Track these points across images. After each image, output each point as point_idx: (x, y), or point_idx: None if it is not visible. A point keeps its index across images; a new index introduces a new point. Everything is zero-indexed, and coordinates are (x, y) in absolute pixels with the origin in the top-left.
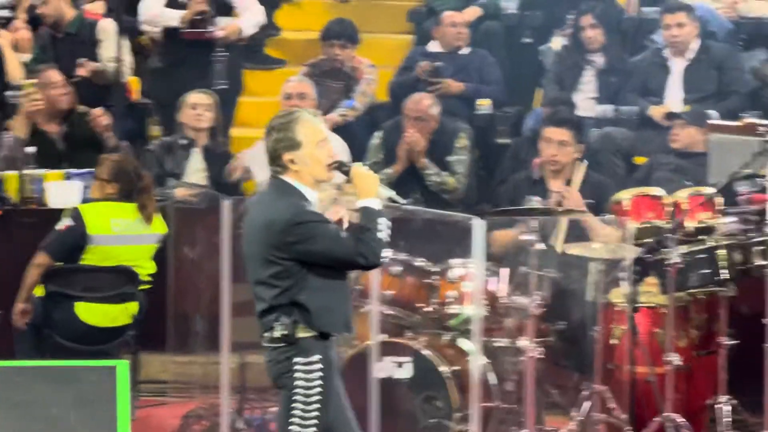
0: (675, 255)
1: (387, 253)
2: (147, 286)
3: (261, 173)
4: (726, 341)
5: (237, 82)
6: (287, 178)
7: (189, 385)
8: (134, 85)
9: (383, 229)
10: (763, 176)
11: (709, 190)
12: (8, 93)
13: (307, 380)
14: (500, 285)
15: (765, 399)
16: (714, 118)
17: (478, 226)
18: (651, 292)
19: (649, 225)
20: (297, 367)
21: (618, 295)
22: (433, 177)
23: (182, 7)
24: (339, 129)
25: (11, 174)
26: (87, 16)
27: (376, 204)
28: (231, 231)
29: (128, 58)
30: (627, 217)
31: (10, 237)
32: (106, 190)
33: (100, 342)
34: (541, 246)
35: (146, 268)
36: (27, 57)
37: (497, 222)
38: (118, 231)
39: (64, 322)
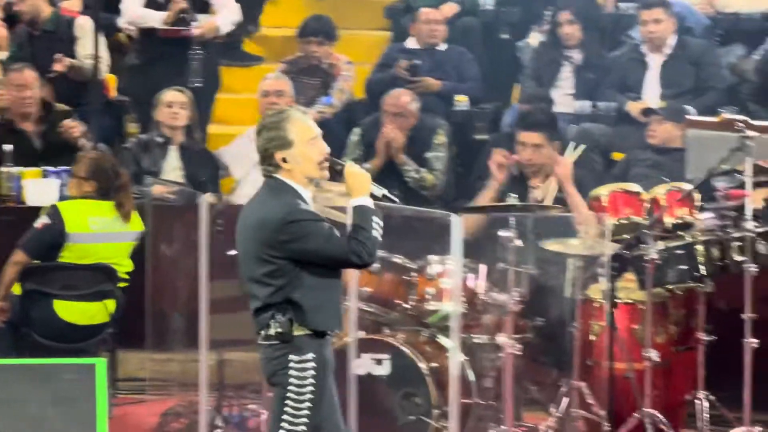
0: (653, 251)
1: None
2: (124, 284)
3: (238, 170)
4: (704, 337)
5: (214, 79)
6: (280, 176)
7: (167, 382)
8: (111, 82)
9: (377, 227)
10: (741, 172)
11: (687, 186)
12: None
13: (299, 378)
14: (478, 282)
15: (743, 394)
16: (691, 113)
17: (457, 222)
18: (629, 288)
19: (626, 221)
20: (291, 364)
21: (596, 292)
22: (411, 173)
23: (162, 6)
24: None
25: None
26: (64, 13)
27: (368, 202)
28: (208, 228)
29: (105, 56)
30: (605, 213)
31: None
32: (84, 187)
33: (79, 340)
34: (518, 243)
35: (124, 266)
36: (4, 55)
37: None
38: (95, 229)
39: (43, 320)
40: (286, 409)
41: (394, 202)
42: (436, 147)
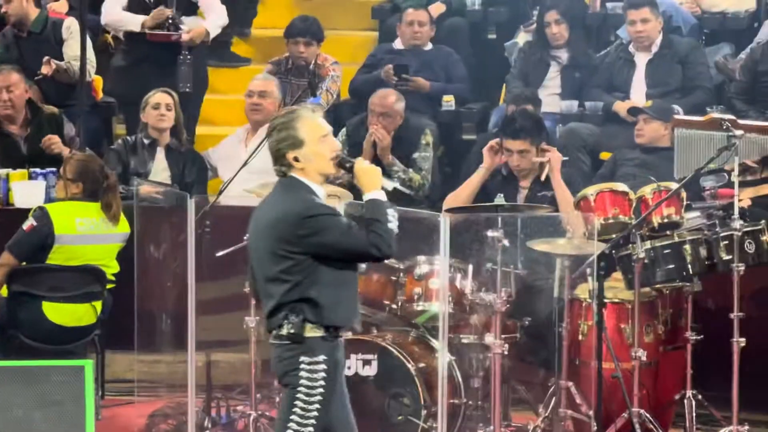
0: (640, 250)
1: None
2: (111, 286)
3: (227, 171)
4: (692, 336)
5: (202, 80)
6: (294, 174)
7: (155, 384)
8: (98, 83)
9: (392, 220)
10: (729, 171)
11: (675, 185)
12: None
13: (310, 379)
14: (466, 282)
15: (732, 394)
16: (678, 113)
17: (444, 223)
18: (617, 287)
19: (614, 221)
20: (302, 366)
21: (584, 291)
22: (398, 174)
23: (148, 8)
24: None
25: None
26: (51, 15)
27: (381, 195)
28: (195, 230)
29: (92, 57)
30: (592, 213)
31: None
32: (71, 189)
33: (66, 341)
34: (506, 242)
35: (111, 268)
36: None
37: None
38: (82, 230)
39: (31, 322)
40: (295, 409)
41: (407, 195)
42: (423, 147)
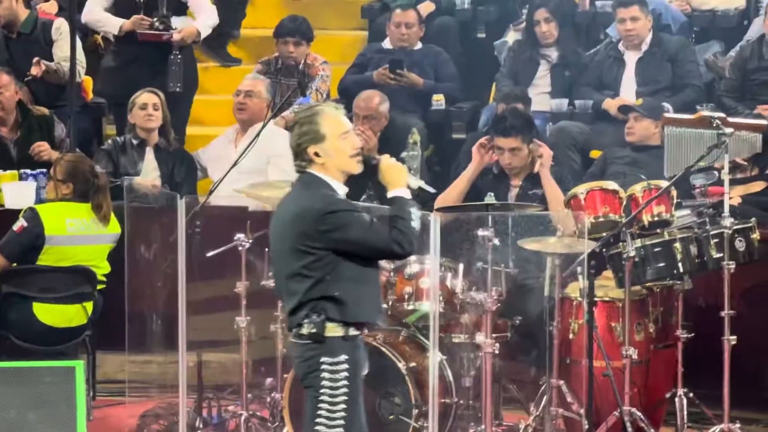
0: (631, 249)
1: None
2: (102, 286)
3: (216, 171)
4: (683, 334)
5: (193, 81)
6: (314, 171)
7: (146, 384)
8: (88, 84)
9: (415, 218)
10: (719, 169)
11: (665, 184)
12: None
13: (332, 380)
14: (457, 281)
15: (723, 392)
16: (668, 110)
17: (434, 222)
18: (607, 286)
19: (604, 219)
20: (324, 366)
21: (575, 290)
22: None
23: (137, 8)
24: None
25: None
26: (41, 16)
27: (405, 193)
28: (186, 230)
29: (82, 58)
30: (583, 212)
31: None
32: (61, 190)
33: (57, 342)
34: (497, 241)
35: (102, 268)
36: None
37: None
38: (73, 231)
39: (21, 323)
40: (321, 412)
41: (431, 193)
42: (411, 146)
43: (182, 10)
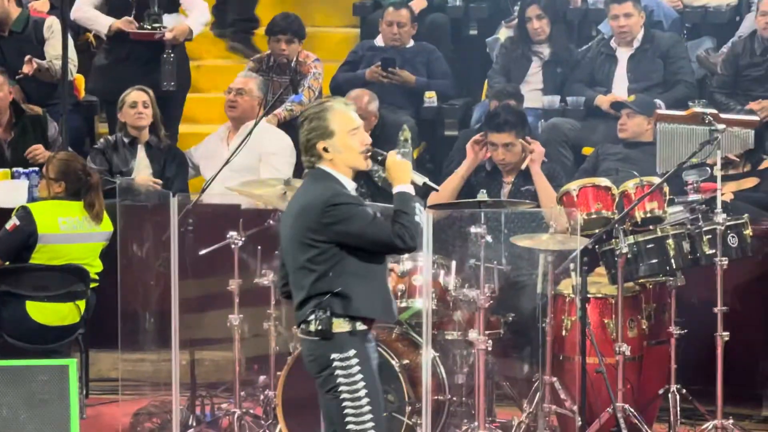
0: (623, 245)
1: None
2: (95, 285)
3: (208, 169)
4: (676, 331)
5: (185, 78)
6: (323, 166)
7: (139, 382)
8: (80, 82)
9: (419, 214)
10: (711, 165)
11: (657, 180)
12: None
13: (347, 376)
14: (449, 278)
15: (716, 388)
16: (660, 107)
17: (427, 219)
18: (600, 282)
19: (597, 216)
20: (335, 364)
21: (567, 286)
22: (378, 172)
23: (129, 7)
24: (286, 123)
25: None
26: (32, 14)
27: (410, 189)
28: (178, 228)
29: (74, 56)
30: (575, 208)
31: None
32: (54, 188)
33: (50, 341)
34: (489, 238)
35: (94, 267)
36: None
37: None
38: (65, 230)
39: (14, 322)
40: (347, 411)
41: (435, 190)
42: (402, 143)
43: (174, 7)
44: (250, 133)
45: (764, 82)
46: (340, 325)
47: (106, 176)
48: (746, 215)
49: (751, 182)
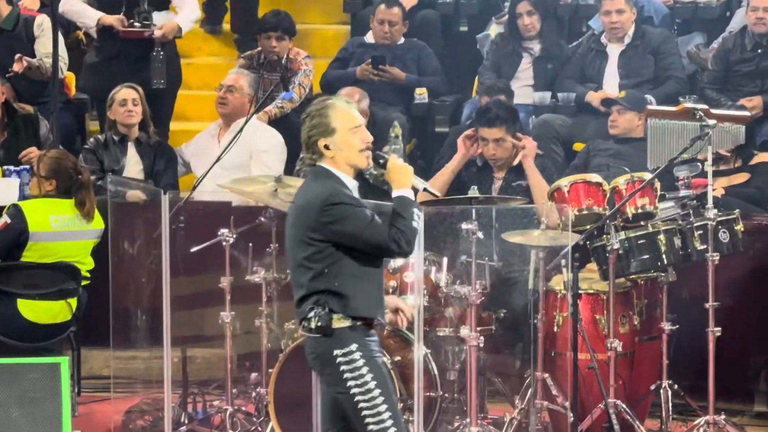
0: (615, 241)
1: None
2: (86, 282)
3: (200, 167)
4: (667, 326)
5: (176, 76)
6: (324, 164)
7: (131, 380)
8: (71, 80)
9: (416, 219)
10: (702, 161)
11: (648, 176)
12: None
13: (352, 371)
14: (441, 274)
15: (708, 383)
16: (651, 103)
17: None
18: (591, 278)
19: (588, 212)
20: (338, 360)
21: (559, 282)
22: (370, 169)
23: (120, 3)
24: (277, 121)
25: None
26: (23, 12)
27: (409, 194)
28: (169, 225)
29: (64, 54)
30: (566, 204)
31: None
32: (45, 187)
33: (42, 339)
34: (480, 235)
35: (86, 264)
36: None
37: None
38: (57, 227)
39: (6, 320)
40: (360, 405)
41: (435, 196)
42: (393, 140)
43: (164, 4)
44: (240, 130)
45: (755, 78)
46: (340, 321)
47: (97, 174)
48: (737, 211)
49: (742, 178)
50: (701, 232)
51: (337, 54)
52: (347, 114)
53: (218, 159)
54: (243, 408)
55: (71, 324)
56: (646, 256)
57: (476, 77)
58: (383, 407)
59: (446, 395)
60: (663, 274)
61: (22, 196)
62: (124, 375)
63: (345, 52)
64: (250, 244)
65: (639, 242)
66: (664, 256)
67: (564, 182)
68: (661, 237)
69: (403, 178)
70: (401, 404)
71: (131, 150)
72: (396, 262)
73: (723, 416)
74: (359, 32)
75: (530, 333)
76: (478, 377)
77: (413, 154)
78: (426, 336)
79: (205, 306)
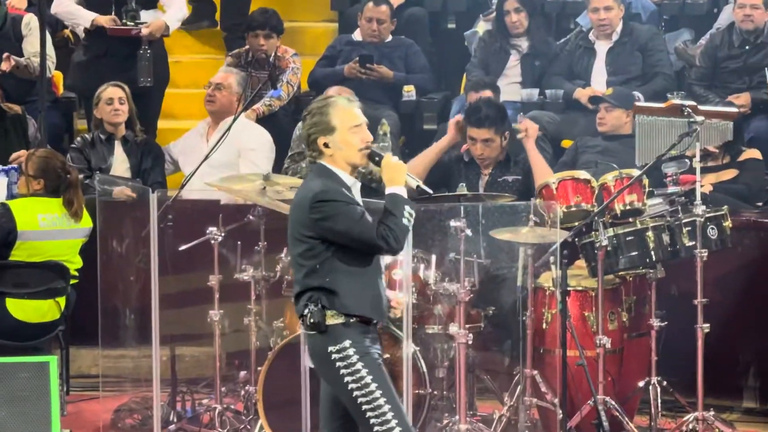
0: (603, 238)
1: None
2: (74, 281)
3: (188, 165)
4: (656, 323)
5: (163, 74)
6: (323, 162)
7: (120, 379)
8: (58, 79)
9: (407, 216)
10: (690, 157)
11: (637, 172)
12: None
13: (347, 367)
14: (429, 272)
15: (697, 380)
16: (639, 99)
17: None
18: (580, 275)
19: (576, 208)
20: (333, 357)
21: (547, 279)
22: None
23: (109, 2)
24: (265, 119)
25: None
26: (10, 11)
27: (402, 191)
28: (158, 224)
29: (52, 53)
30: (554, 201)
31: None
32: (33, 186)
33: (30, 338)
34: (469, 232)
35: (74, 263)
36: None
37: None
38: (45, 226)
39: None
40: (359, 401)
41: (428, 193)
42: (381, 137)
43: (152, 3)
44: (229, 128)
45: (742, 74)
46: (333, 317)
47: (85, 173)
48: (725, 207)
49: (730, 174)
50: (689, 228)
51: (325, 52)
52: (348, 113)
53: (206, 157)
54: (232, 406)
55: (60, 323)
56: (634, 253)
57: (464, 74)
58: (383, 401)
59: (435, 392)
60: (651, 271)
61: (10, 195)
62: (112, 374)
63: (333, 50)
64: (239, 243)
65: (627, 239)
66: (652, 252)
67: (552, 179)
68: (650, 233)
69: (396, 176)
70: None
71: (118, 148)
72: (385, 260)
73: (712, 412)
74: (347, 30)
75: (519, 330)
76: (467, 374)
77: (402, 151)
78: (415, 333)
79: (194, 304)
